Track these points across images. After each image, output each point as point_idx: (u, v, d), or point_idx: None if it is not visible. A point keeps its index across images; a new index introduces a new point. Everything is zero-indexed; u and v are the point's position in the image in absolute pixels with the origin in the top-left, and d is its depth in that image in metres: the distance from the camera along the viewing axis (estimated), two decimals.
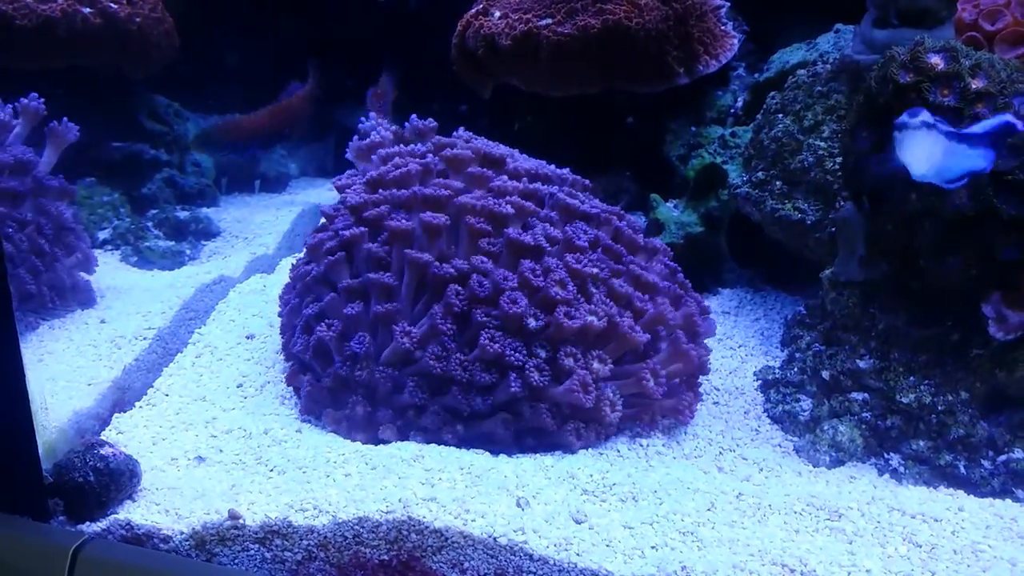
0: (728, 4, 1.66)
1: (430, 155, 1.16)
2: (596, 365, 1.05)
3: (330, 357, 1.14)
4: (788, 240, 1.30)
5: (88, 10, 1.62)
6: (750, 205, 1.34)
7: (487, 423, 1.06)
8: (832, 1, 1.53)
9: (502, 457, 1.06)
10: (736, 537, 0.89)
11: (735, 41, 1.59)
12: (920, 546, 0.87)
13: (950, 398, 1.04)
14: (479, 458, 1.04)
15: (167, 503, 0.99)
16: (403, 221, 1.08)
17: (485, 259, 1.04)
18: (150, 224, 1.73)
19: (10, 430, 0.98)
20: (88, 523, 0.98)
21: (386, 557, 0.93)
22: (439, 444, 1.07)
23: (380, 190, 1.14)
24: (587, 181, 1.26)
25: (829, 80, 1.30)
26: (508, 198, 1.07)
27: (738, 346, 1.34)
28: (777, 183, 1.31)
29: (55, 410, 1.17)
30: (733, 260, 1.52)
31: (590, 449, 1.07)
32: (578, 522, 0.92)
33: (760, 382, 1.22)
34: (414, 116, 1.30)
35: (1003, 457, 1.01)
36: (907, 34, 1.20)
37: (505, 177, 1.11)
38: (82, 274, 1.45)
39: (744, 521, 0.92)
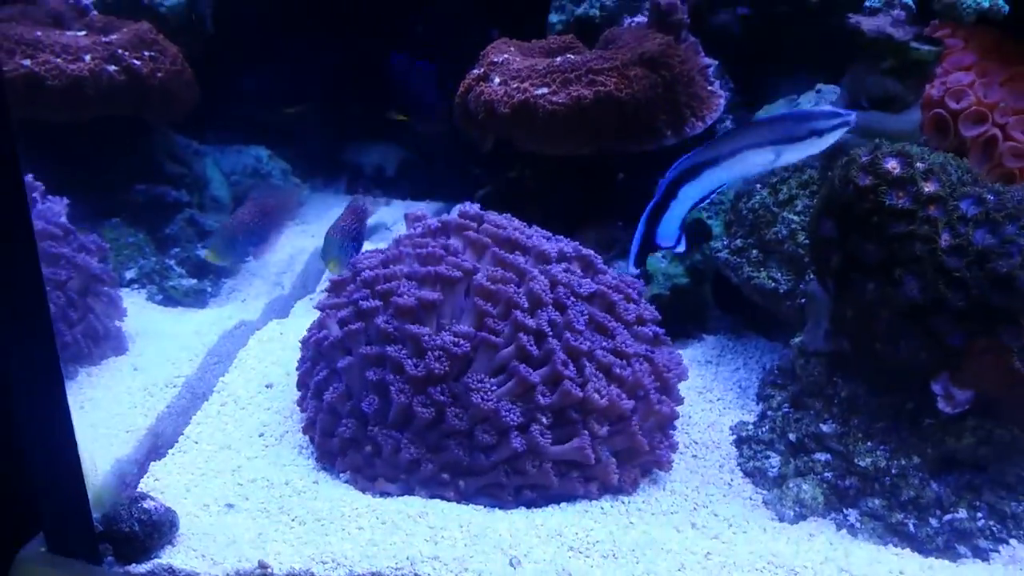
0: (716, 63, 1.73)
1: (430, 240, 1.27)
2: (595, 426, 1.15)
3: (339, 416, 1.24)
4: (763, 304, 1.39)
5: (113, 68, 1.71)
6: (728, 270, 1.43)
7: (489, 476, 1.16)
8: (818, 57, 1.60)
9: (498, 512, 1.16)
10: None
11: (721, 101, 1.67)
12: None
13: (903, 462, 1.13)
14: (477, 515, 1.14)
15: (203, 548, 1.10)
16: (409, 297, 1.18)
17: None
18: (173, 263, 1.82)
19: (64, 480, 1.09)
20: (135, 564, 1.08)
21: None
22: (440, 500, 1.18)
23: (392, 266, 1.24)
24: (595, 255, 1.35)
25: None
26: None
27: (716, 399, 1.43)
28: (753, 251, 1.39)
29: (99, 457, 1.27)
30: (717, 307, 1.61)
31: (578, 505, 1.17)
32: None
33: (735, 437, 1.31)
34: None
35: (948, 516, 1.11)
36: (876, 116, 1.28)
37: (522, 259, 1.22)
38: (115, 322, 1.55)
39: None
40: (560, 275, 1.21)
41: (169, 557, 1.09)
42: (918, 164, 1.03)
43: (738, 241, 1.43)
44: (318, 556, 1.06)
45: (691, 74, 1.60)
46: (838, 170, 1.09)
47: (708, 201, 1.11)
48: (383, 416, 1.19)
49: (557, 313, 1.17)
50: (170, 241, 1.88)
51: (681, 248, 1.10)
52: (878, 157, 1.04)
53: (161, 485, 1.25)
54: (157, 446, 1.38)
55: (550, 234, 1.36)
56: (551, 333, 1.16)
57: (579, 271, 1.27)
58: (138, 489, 1.23)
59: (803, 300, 1.28)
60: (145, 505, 1.12)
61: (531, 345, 1.13)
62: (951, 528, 1.10)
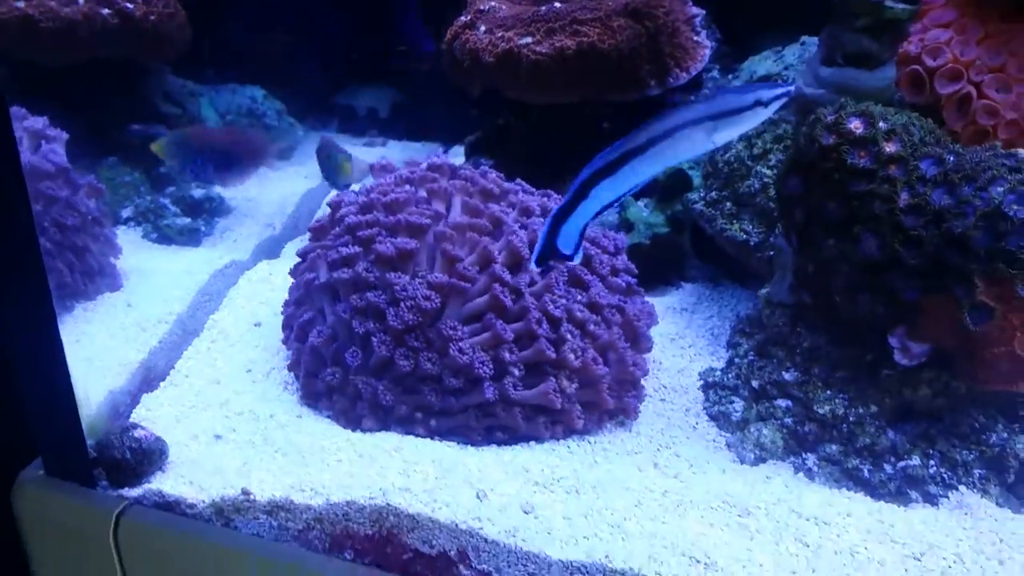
0: (703, 12, 1.72)
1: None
2: (566, 383, 1.20)
3: (323, 360, 1.28)
4: (735, 256, 1.41)
5: (107, 11, 1.71)
6: (703, 221, 1.45)
7: (459, 418, 1.21)
8: (805, 9, 1.59)
9: (470, 449, 1.21)
10: (656, 531, 1.04)
11: (706, 51, 1.66)
12: (808, 546, 1.02)
13: (860, 411, 1.18)
14: (449, 451, 1.19)
15: (191, 476, 1.17)
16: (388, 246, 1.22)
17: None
18: (168, 202, 1.85)
19: (59, 409, 1.15)
20: (127, 489, 1.16)
21: (370, 532, 1.10)
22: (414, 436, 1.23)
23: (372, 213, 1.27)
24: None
25: (780, 109, 1.39)
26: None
27: (688, 346, 1.47)
28: (727, 204, 1.41)
29: (93, 388, 1.34)
30: (696, 256, 1.64)
31: (546, 444, 1.22)
32: (526, 512, 1.08)
33: (702, 383, 1.35)
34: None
35: (902, 463, 1.16)
36: (851, 73, 1.28)
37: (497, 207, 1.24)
38: (111, 260, 1.60)
39: (665, 516, 1.07)
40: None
41: (159, 483, 1.16)
42: (880, 124, 1.05)
43: (713, 193, 1.45)
44: (298, 485, 1.12)
45: (676, 24, 1.59)
46: (805, 128, 1.11)
47: (622, 199, 0.99)
48: (365, 364, 1.23)
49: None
50: (165, 180, 1.91)
51: (577, 260, 1.01)
52: (842, 116, 1.06)
53: (153, 416, 1.31)
54: (149, 379, 1.44)
55: (533, 189, 1.38)
56: (528, 289, 1.19)
57: None
58: (130, 420, 1.29)
59: (772, 253, 1.30)
60: (136, 434, 1.19)
61: (505, 296, 1.17)
62: (904, 474, 1.15)
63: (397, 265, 1.23)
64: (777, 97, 0.91)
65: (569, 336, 1.18)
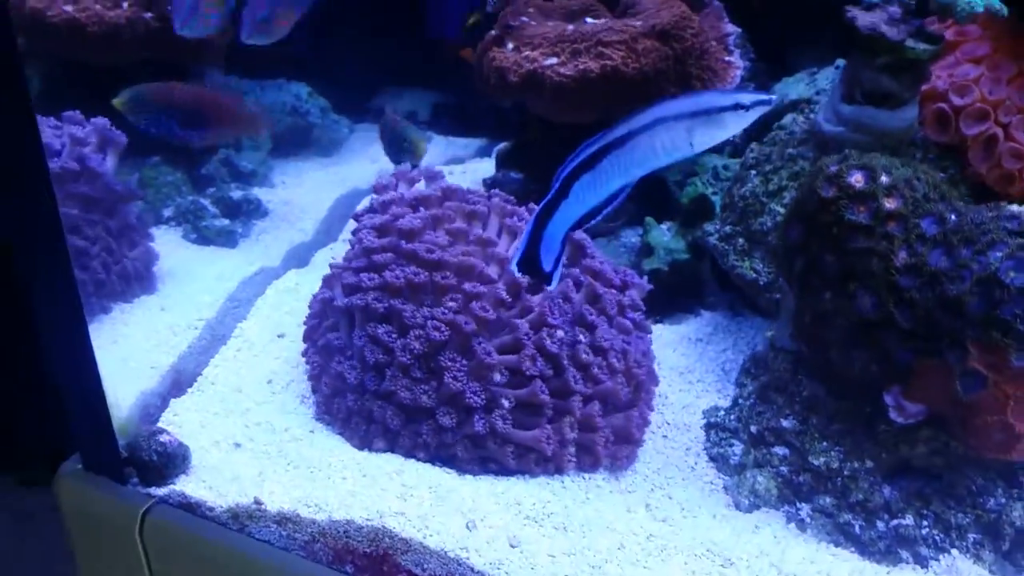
0: (738, 31, 1.72)
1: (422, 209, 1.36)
2: (566, 430, 1.26)
3: (340, 382, 1.38)
4: (746, 292, 1.44)
5: (149, 15, 1.83)
6: (717, 254, 1.48)
7: (455, 448, 1.29)
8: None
9: (468, 477, 1.29)
10: (636, 575, 1.10)
11: (737, 72, 1.66)
12: None
13: (855, 465, 1.20)
14: (446, 478, 1.27)
15: (211, 481, 1.28)
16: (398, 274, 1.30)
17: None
18: (208, 203, 1.98)
19: (92, 409, 1.29)
20: (154, 488, 1.28)
21: (368, 550, 1.19)
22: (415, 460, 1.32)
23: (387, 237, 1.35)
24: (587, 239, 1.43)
25: (799, 144, 1.40)
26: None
27: (697, 380, 1.50)
28: (740, 240, 1.43)
29: (127, 389, 1.47)
30: (716, 284, 1.66)
31: (541, 478, 1.29)
32: (512, 546, 1.15)
33: (705, 421, 1.39)
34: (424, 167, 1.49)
35: (895, 522, 1.18)
36: (870, 112, 1.28)
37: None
38: (147, 265, 1.73)
39: (648, 561, 1.13)
40: None
41: (182, 485, 1.28)
42: (882, 179, 1.06)
43: (727, 227, 1.47)
44: (304, 499, 1.22)
45: (704, 45, 1.61)
46: (807, 177, 1.12)
47: (612, 206, 0.96)
48: (377, 390, 1.32)
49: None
50: (205, 181, 2.03)
51: (554, 284, 0.97)
52: (843, 169, 1.07)
53: (180, 420, 1.43)
54: (179, 383, 1.56)
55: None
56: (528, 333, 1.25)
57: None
58: (159, 423, 1.42)
59: (779, 295, 1.32)
60: (161, 439, 1.31)
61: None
62: (896, 533, 1.17)
63: (407, 295, 1.30)
64: (759, 103, 0.88)
65: (573, 381, 1.24)
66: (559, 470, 1.28)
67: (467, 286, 1.28)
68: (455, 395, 1.25)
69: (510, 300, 1.28)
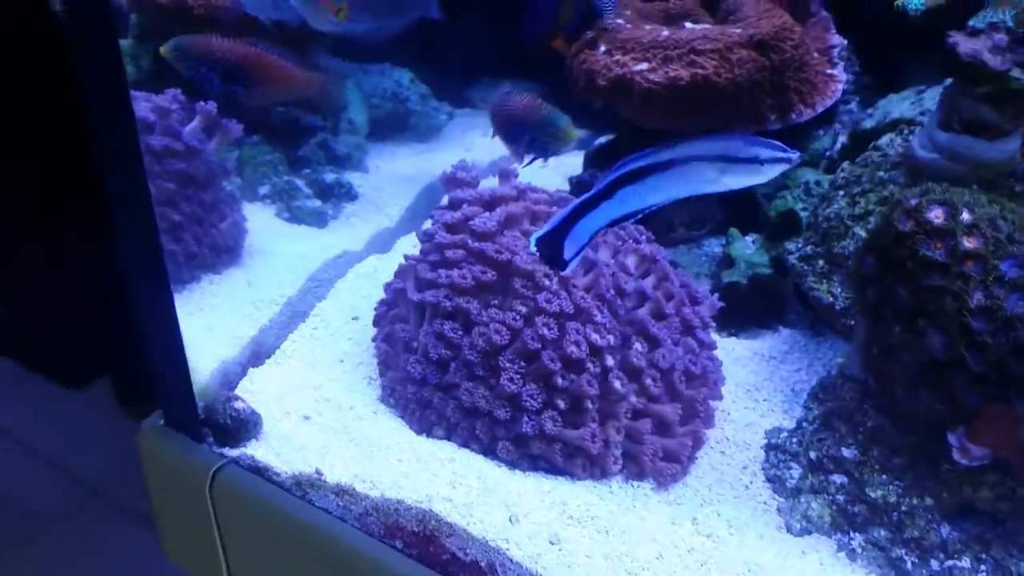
0: (844, 43, 1.70)
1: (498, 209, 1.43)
2: (612, 432, 1.31)
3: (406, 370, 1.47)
4: (821, 316, 1.43)
5: None
6: (795, 274, 1.48)
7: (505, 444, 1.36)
8: None
9: (517, 473, 1.36)
10: None
11: (838, 86, 1.65)
12: None
13: (914, 501, 1.20)
14: (496, 471, 1.34)
15: (279, 448, 1.40)
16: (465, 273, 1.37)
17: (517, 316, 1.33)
18: (302, 184, 2.11)
19: (174, 368, 1.42)
20: (227, 449, 1.42)
21: (416, 529, 1.28)
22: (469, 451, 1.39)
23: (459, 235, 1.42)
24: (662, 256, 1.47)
25: (891, 168, 1.38)
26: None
27: (764, 399, 1.52)
28: (820, 261, 1.43)
29: (210, 355, 1.60)
30: (798, 302, 1.66)
31: (588, 481, 1.34)
32: (552, 543, 1.21)
33: (766, 442, 1.41)
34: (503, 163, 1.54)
35: (950, 563, 1.18)
36: (967, 142, 1.26)
37: None
38: (238, 239, 1.87)
39: (685, 574, 1.17)
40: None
41: (253, 449, 1.40)
42: (963, 216, 1.05)
43: (809, 248, 1.47)
44: (361, 475, 1.32)
45: (805, 57, 1.60)
46: (888, 207, 1.13)
47: (634, 219, 1.05)
48: (440, 383, 1.41)
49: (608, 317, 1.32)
50: (301, 162, 2.17)
51: (569, 270, 1.06)
52: (923, 203, 1.07)
53: (256, 389, 1.56)
54: (258, 354, 1.69)
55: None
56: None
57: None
58: (236, 390, 1.55)
59: (853, 322, 1.33)
60: (236, 405, 1.44)
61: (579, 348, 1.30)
62: (949, 574, 1.17)
63: (474, 293, 1.38)
64: (776, 160, 0.96)
65: (618, 383, 1.29)
66: (604, 473, 1.33)
67: (540, 298, 1.33)
68: (512, 396, 1.32)
69: (571, 311, 1.33)
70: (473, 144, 2.55)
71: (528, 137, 1.59)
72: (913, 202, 1.09)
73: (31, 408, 3.14)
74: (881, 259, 1.13)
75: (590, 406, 1.30)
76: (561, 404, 1.31)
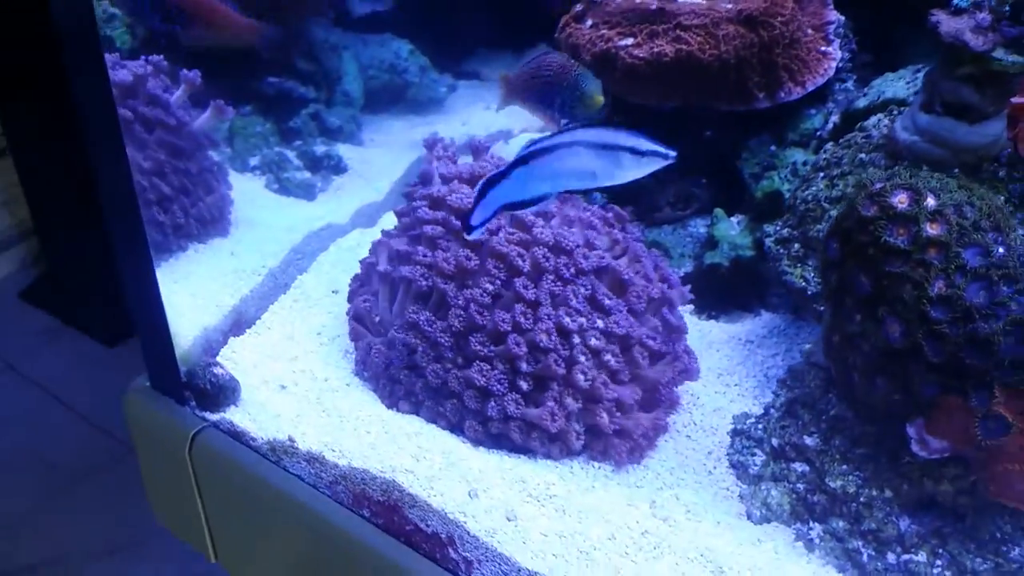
0: (840, 19, 1.66)
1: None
2: (569, 401, 1.31)
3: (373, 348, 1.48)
4: (795, 301, 1.41)
5: None
6: (770, 257, 1.46)
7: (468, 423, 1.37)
8: None
9: (481, 450, 1.36)
10: (621, 566, 1.15)
11: (831, 65, 1.61)
12: None
13: (873, 493, 1.19)
14: (460, 447, 1.35)
15: (256, 415, 1.44)
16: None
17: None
18: (292, 156, 2.12)
19: (157, 333, 1.46)
20: (208, 413, 1.46)
21: (381, 499, 1.30)
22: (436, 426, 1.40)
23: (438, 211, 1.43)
24: (624, 214, 1.46)
25: (873, 150, 1.35)
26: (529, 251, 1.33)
27: (734, 385, 1.50)
28: (796, 245, 1.41)
29: (193, 322, 1.63)
30: (780, 286, 1.63)
31: (550, 461, 1.34)
32: (509, 519, 1.22)
33: (733, 427, 1.40)
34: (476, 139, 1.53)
35: (906, 556, 1.16)
36: (946, 124, 1.23)
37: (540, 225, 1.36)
38: (223, 210, 1.89)
39: (636, 555, 1.17)
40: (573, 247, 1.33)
41: (231, 415, 1.44)
42: (928, 202, 1.03)
43: (785, 231, 1.45)
44: (331, 444, 1.34)
45: (796, 34, 1.56)
46: (852, 190, 1.10)
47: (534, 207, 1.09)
48: (408, 362, 1.42)
49: (559, 285, 1.31)
50: (293, 134, 2.17)
51: (468, 236, 1.15)
52: (887, 188, 1.05)
53: (236, 357, 1.59)
54: (239, 323, 1.72)
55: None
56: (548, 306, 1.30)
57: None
58: (218, 357, 1.58)
59: (823, 308, 1.31)
60: (215, 371, 1.48)
61: (526, 319, 1.30)
62: (905, 568, 1.16)
63: (453, 276, 1.38)
64: (655, 154, 1.00)
65: (582, 357, 1.29)
66: (567, 450, 1.33)
67: (517, 282, 1.33)
68: (478, 383, 1.33)
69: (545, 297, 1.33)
70: (471, 118, 2.54)
71: (559, 100, 1.55)
72: (877, 186, 1.07)
73: (67, 365, 3.26)
74: (844, 244, 1.11)
75: (555, 387, 1.30)
76: (525, 386, 1.31)
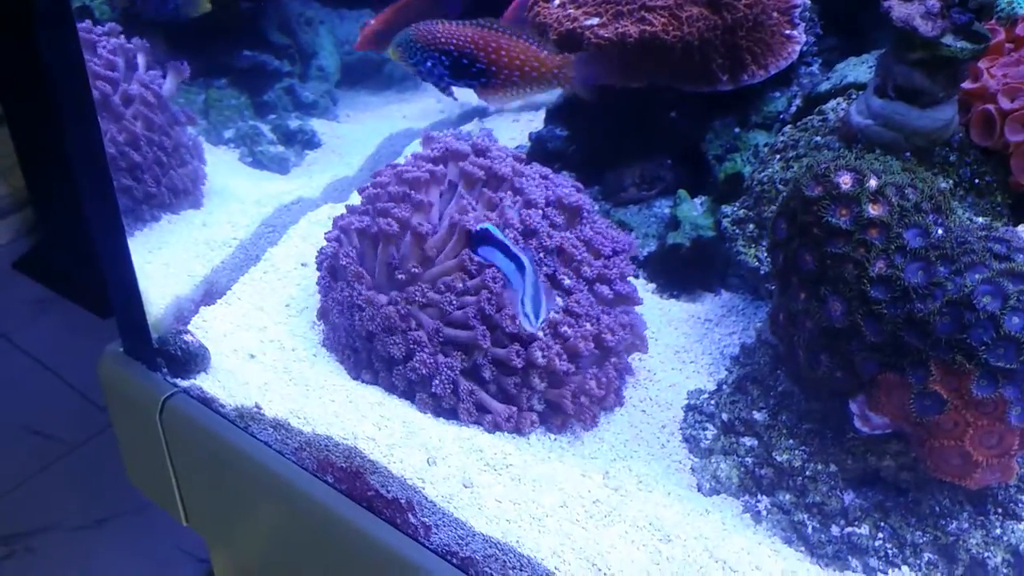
0: (806, 3, 1.66)
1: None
2: (536, 381, 1.33)
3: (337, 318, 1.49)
4: (748, 280, 1.43)
5: None
6: (726, 237, 1.48)
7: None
8: None
9: (440, 420, 1.38)
10: (572, 533, 1.17)
11: (795, 48, 1.61)
12: None
13: (818, 467, 1.21)
14: (420, 418, 1.37)
15: (225, 382, 1.46)
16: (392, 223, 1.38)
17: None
18: (266, 129, 2.11)
19: (129, 300, 1.47)
20: (179, 379, 1.47)
21: (343, 465, 1.32)
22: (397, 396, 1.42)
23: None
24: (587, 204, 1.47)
25: (829, 133, 1.36)
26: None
27: (690, 361, 1.52)
28: (751, 226, 1.42)
29: (165, 290, 1.64)
30: (739, 265, 1.65)
31: (507, 433, 1.36)
32: (465, 486, 1.24)
33: (687, 403, 1.42)
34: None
35: (850, 529, 1.19)
36: (899, 108, 1.25)
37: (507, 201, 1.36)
38: (196, 182, 1.89)
39: (587, 523, 1.19)
40: (536, 224, 1.34)
41: (201, 381, 1.46)
42: (870, 183, 1.04)
43: (742, 212, 1.46)
44: (296, 411, 1.36)
45: (760, 17, 1.57)
46: (800, 171, 1.12)
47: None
48: (360, 331, 1.43)
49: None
50: (267, 108, 2.16)
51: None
52: (831, 168, 1.06)
53: (207, 326, 1.60)
54: (210, 293, 1.72)
55: (548, 172, 1.47)
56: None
57: (561, 221, 1.39)
58: (189, 326, 1.59)
59: (774, 287, 1.32)
60: (185, 338, 1.50)
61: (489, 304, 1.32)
62: (848, 540, 1.19)
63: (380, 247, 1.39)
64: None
65: (540, 334, 1.30)
66: (519, 432, 1.36)
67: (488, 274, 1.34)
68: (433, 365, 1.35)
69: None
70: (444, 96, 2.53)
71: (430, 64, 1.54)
72: (822, 167, 1.08)
73: (60, 335, 3.25)
74: (790, 224, 1.13)
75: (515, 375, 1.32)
76: (487, 375, 1.33)
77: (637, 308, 1.48)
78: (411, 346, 1.36)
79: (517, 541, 1.15)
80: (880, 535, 1.18)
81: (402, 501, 1.26)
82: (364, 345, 1.43)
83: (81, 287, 3.44)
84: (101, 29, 1.80)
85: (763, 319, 1.35)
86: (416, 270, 1.38)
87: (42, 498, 2.62)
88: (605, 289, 1.35)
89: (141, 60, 1.81)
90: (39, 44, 1.26)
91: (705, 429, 1.35)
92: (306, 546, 1.37)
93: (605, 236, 1.40)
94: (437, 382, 1.34)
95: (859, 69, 1.58)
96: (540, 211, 1.36)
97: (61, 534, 2.51)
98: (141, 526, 2.54)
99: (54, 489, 2.65)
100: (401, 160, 1.69)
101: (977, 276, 0.98)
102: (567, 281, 1.32)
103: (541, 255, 1.33)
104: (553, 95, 2.55)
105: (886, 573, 1.17)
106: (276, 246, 1.82)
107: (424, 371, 1.35)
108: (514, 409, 1.34)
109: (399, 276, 1.38)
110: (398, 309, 1.36)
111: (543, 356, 1.32)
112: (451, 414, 1.38)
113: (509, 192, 1.39)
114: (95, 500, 2.60)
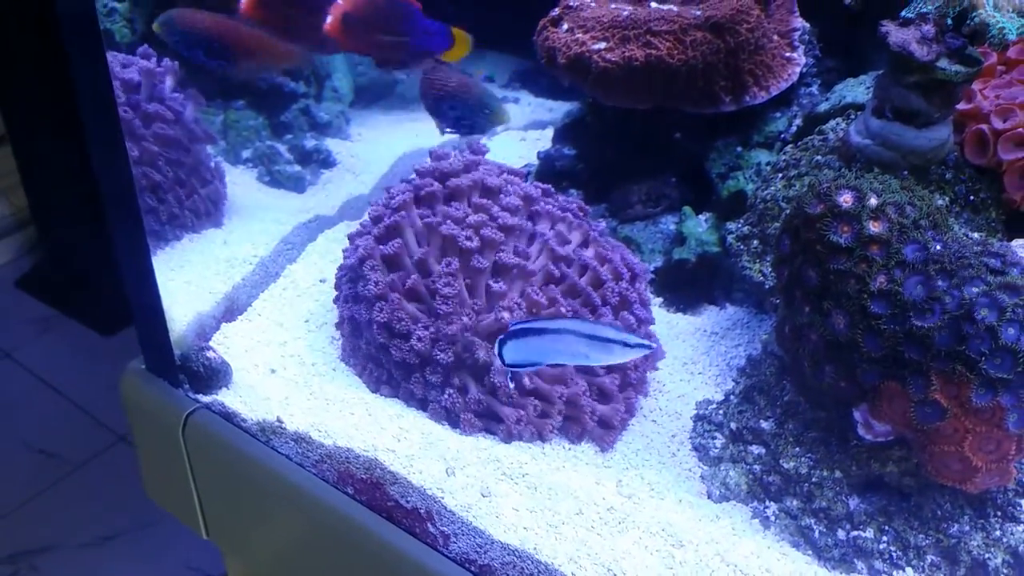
0: (805, 27, 1.71)
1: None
2: (555, 398, 1.37)
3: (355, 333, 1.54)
4: (752, 295, 1.46)
5: None
6: (731, 253, 1.52)
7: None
8: None
9: (458, 431, 1.42)
10: (587, 540, 1.20)
11: (795, 70, 1.66)
12: None
13: (824, 473, 1.25)
14: (438, 429, 1.41)
15: (246, 397, 1.49)
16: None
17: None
18: (283, 149, 2.16)
19: (153, 317, 1.51)
20: (201, 395, 1.51)
21: (364, 476, 1.35)
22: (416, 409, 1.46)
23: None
24: (585, 207, 1.51)
25: (829, 153, 1.41)
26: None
27: (699, 373, 1.56)
28: (755, 242, 1.47)
29: (187, 308, 1.68)
30: (744, 280, 1.69)
31: (523, 443, 1.40)
32: (483, 495, 1.28)
33: (696, 413, 1.46)
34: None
35: (855, 533, 1.23)
36: (896, 129, 1.29)
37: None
38: (217, 202, 1.93)
39: (602, 529, 1.23)
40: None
41: (223, 397, 1.49)
42: (870, 200, 1.08)
43: (746, 228, 1.50)
44: (317, 425, 1.39)
45: (761, 40, 1.61)
46: (803, 190, 1.16)
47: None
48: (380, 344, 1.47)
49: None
50: (284, 128, 2.21)
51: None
52: (833, 187, 1.10)
53: (228, 343, 1.64)
54: (231, 310, 1.76)
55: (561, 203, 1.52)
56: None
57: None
58: (210, 342, 1.62)
59: (778, 300, 1.36)
60: (208, 355, 1.53)
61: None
62: (854, 544, 1.22)
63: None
64: (641, 346, 1.16)
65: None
66: (538, 436, 1.40)
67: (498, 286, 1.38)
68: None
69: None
70: None
71: (456, 114, 1.62)
72: (824, 186, 1.12)
73: (63, 354, 3.27)
74: (794, 240, 1.17)
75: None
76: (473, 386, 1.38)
77: None
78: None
79: (535, 548, 1.19)
80: (884, 538, 1.21)
81: (422, 511, 1.29)
82: (385, 358, 1.47)
83: (84, 305, 3.45)
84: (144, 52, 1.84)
85: (768, 331, 1.39)
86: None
87: (46, 516, 2.62)
88: (629, 316, 1.39)
89: (169, 81, 1.85)
90: (71, 68, 1.30)
91: (714, 438, 1.39)
92: (327, 556, 1.40)
93: (627, 262, 1.44)
94: (449, 394, 1.38)
95: (857, 90, 1.62)
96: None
97: (66, 552, 2.51)
98: (147, 543, 2.54)
99: (58, 507, 2.64)
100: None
101: (974, 289, 1.02)
102: (595, 301, 1.37)
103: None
104: (558, 115, 2.62)
105: (891, 574, 1.21)
106: (295, 263, 1.86)
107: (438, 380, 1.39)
108: (522, 412, 1.37)
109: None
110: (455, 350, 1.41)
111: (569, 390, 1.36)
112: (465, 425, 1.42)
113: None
114: (100, 518, 2.59)
